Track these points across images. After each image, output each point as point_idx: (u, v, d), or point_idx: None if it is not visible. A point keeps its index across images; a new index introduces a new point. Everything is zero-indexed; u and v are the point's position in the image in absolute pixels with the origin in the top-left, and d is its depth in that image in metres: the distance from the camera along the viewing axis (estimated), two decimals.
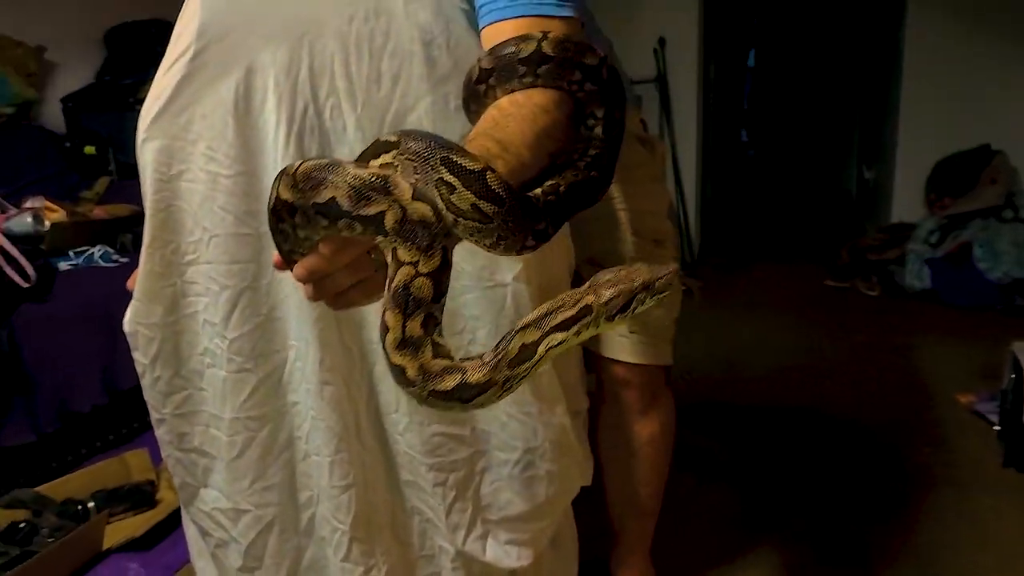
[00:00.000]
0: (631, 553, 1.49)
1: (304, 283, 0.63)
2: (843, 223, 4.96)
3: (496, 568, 1.12)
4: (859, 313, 3.56)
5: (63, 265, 2.25)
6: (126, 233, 2.43)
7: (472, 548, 1.10)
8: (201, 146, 0.96)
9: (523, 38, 0.77)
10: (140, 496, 1.76)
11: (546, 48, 0.75)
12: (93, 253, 2.32)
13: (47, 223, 2.26)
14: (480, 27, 0.86)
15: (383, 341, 0.61)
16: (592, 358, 1.28)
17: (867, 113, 5.25)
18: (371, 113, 0.94)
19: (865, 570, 1.79)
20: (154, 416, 1.08)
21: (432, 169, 0.62)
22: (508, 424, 1.07)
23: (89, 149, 2.98)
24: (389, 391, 1.04)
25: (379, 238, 0.60)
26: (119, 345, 1.10)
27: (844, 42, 5.94)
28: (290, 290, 1.00)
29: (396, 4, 0.92)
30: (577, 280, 1.20)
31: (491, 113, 0.76)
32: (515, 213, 0.65)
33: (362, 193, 0.59)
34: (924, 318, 3.42)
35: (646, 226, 1.23)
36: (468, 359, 0.62)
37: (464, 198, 0.62)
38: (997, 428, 2.29)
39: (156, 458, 1.78)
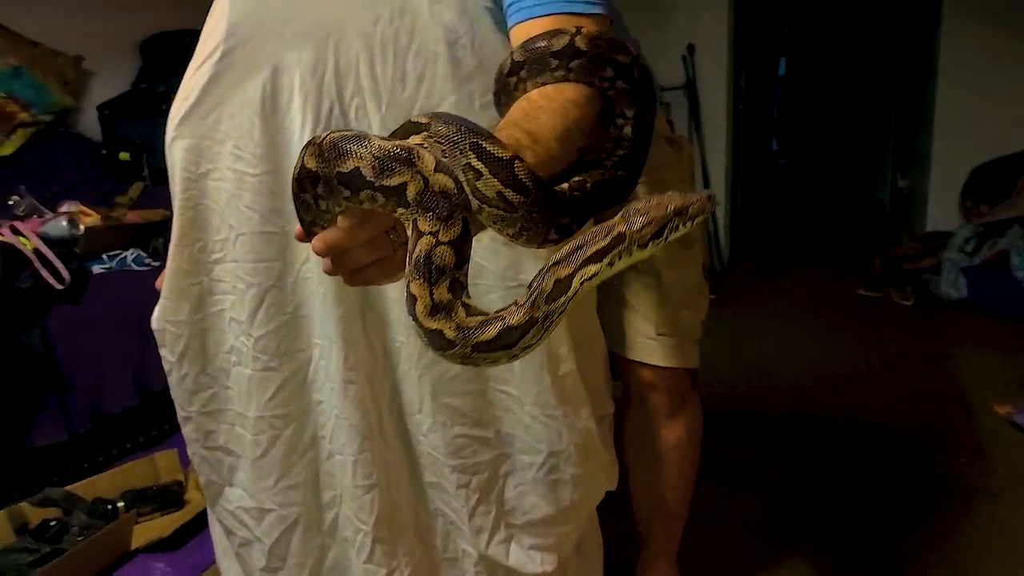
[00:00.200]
0: (657, 558, 1.47)
1: (322, 256, 0.62)
2: (876, 232, 4.88)
3: (520, 573, 1.11)
4: (893, 322, 3.48)
5: (96, 268, 2.28)
6: (158, 237, 2.46)
7: (495, 552, 1.09)
8: (228, 145, 0.97)
9: (556, 32, 0.77)
10: (168, 497, 1.77)
11: (579, 43, 0.75)
12: (126, 256, 2.35)
13: (82, 227, 2.29)
14: (509, 26, 0.86)
15: (413, 312, 0.60)
16: (618, 362, 1.26)
17: (901, 121, 5.16)
18: (396, 113, 0.94)
19: None
20: (180, 414, 1.09)
21: (460, 153, 0.62)
22: (532, 426, 1.06)
23: (124, 155, 3.03)
24: (412, 391, 1.04)
25: (400, 210, 0.60)
26: (150, 347, 1.11)
27: (878, 49, 5.85)
28: (315, 288, 1.00)
29: (421, 4, 0.92)
30: (600, 289, 1.19)
31: (521, 104, 0.76)
32: (540, 205, 0.65)
33: (385, 164, 0.59)
34: (960, 327, 3.34)
35: None
36: (501, 309, 0.61)
37: (490, 185, 0.62)
38: None
39: (184, 459, 1.79)
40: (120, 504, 1.70)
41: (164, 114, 1.03)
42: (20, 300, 1.91)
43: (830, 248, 4.77)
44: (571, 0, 0.81)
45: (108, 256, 2.35)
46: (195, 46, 1.01)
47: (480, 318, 0.60)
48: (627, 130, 0.81)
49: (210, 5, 1.00)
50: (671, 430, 1.28)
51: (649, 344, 1.23)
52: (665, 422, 1.27)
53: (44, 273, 2.00)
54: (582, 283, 0.60)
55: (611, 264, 0.61)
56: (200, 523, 1.63)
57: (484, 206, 0.63)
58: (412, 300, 0.60)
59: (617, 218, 0.62)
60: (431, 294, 0.59)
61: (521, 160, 0.63)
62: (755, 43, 5.18)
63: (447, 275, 0.59)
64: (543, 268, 0.61)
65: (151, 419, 2.11)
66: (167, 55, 3.23)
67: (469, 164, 0.62)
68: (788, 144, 7.23)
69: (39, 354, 1.86)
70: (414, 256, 0.59)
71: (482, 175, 0.62)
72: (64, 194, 2.66)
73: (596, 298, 1.15)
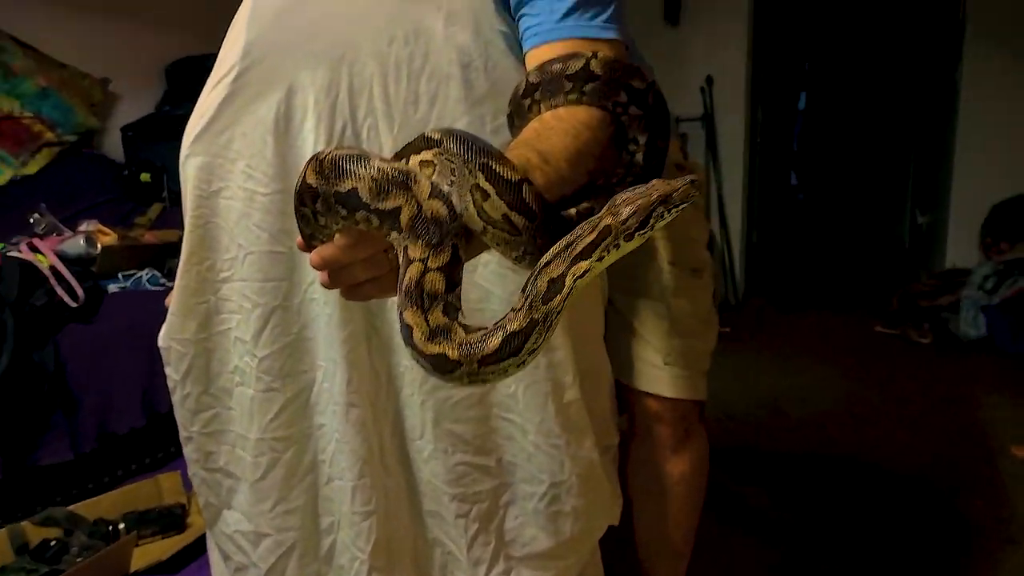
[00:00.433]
0: None
1: (319, 270, 0.63)
2: (895, 270, 4.83)
3: None
4: (910, 361, 3.43)
5: (112, 287, 2.30)
6: (174, 258, 2.46)
7: None
8: (240, 164, 0.98)
9: (572, 56, 0.77)
10: (170, 519, 1.76)
11: (594, 67, 0.76)
12: (141, 277, 2.37)
13: (99, 246, 2.32)
14: (525, 50, 0.86)
15: (411, 341, 0.59)
16: (625, 394, 1.24)
17: (922, 158, 5.13)
18: (408, 134, 0.94)
19: None
20: (182, 434, 1.09)
21: (470, 173, 0.62)
22: (535, 456, 1.05)
23: (145, 176, 3.07)
24: (415, 416, 1.03)
25: (393, 234, 0.60)
26: (159, 368, 1.11)
27: (899, 85, 5.85)
28: (321, 310, 1.00)
29: (436, 27, 0.93)
30: (608, 316, 1.18)
31: (534, 125, 0.76)
32: (545, 230, 0.65)
33: (382, 187, 0.59)
34: (978, 367, 3.28)
35: (684, 255, 1.20)
36: (498, 321, 0.61)
37: (497, 207, 0.62)
38: None
39: (188, 482, 1.79)
40: (121, 526, 1.69)
41: (182, 136, 1.04)
42: (34, 317, 1.92)
43: (847, 287, 4.72)
44: (587, 25, 0.82)
45: (124, 276, 2.37)
46: None
47: (480, 333, 0.60)
48: (639, 156, 0.81)
49: None
50: (676, 464, 1.26)
51: (656, 373, 1.21)
52: (670, 455, 1.25)
53: (59, 291, 2.01)
54: (575, 281, 0.60)
55: (600, 259, 0.61)
56: (200, 547, 1.62)
57: (489, 227, 0.63)
58: (408, 329, 0.59)
59: (604, 211, 0.62)
60: (427, 320, 0.59)
61: (530, 184, 0.63)
62: (774, 77, 5.20)
63: (439, 300, 0.59)
64: (535, 270, 0.61)
65: (158, 440, 2.11)
66: (191, 79, 3.28)
67: (477, 184, 0.62)
68: (807, 179, 7.21)
69: (49, 372, 1.87)
70: (404, 284, 0.59)
71: (489, 196, 0.62)
72: (85, 213, 2.70)
73: (603, 327, 1.14)
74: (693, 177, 0.62)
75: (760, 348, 3.61)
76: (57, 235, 2.39)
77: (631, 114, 0.78)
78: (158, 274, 2.41)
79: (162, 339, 1.06)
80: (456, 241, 0.60)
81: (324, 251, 0.62)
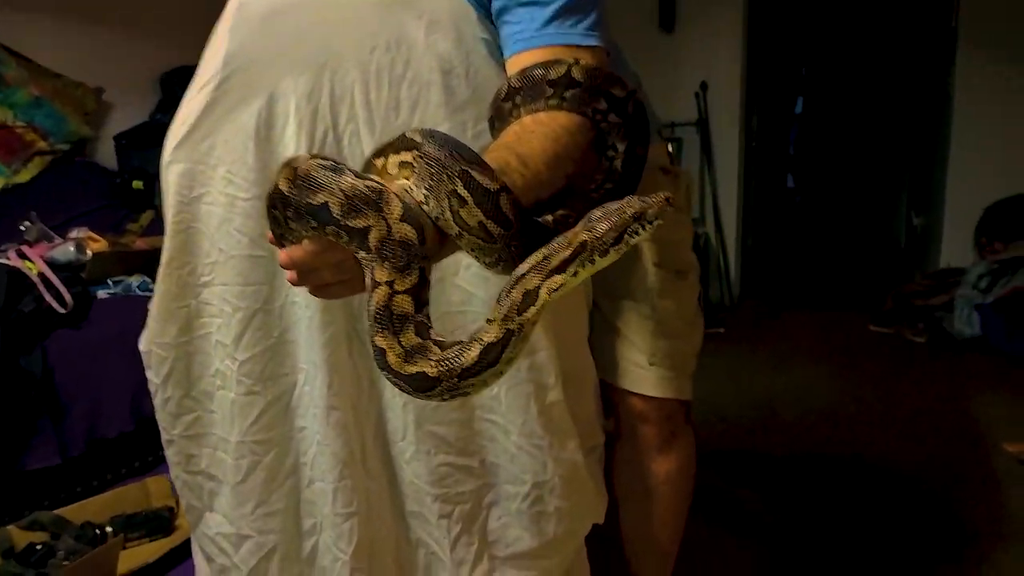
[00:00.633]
0: None
1: (287, 269, 0.63)
2: (890, 270, 4.84)
3: None
4: (904, 360, 3.43)
5: (101, 293, 2.30)
6: None
7: None
8: (221, 170, 0.98)
9: (554, 62, 0.78)
10: (158, 522, 1.75)
11: (575, 73, 0.76)
12: (131, 283, 2.37)
13: (89, 252, 2.32)
14: (506, 56, 0.87)
15: (386, 365, 0.60)
16: (610, 395, 1.24)
17: (917, 160, 5.14)
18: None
19: None
20: (164, 437, 1.09)
21: (448, 179, 0.62)
22: (518, 456, 1.04)
23: (137, 184, 3.08)
24: (397, 418, 1.03)
25: (361, 253, 0.60)
26: None
27: (894, 90, 5.87)
28: (302, 313, 1.00)
29: (417, 34, 0.93)
30: (592, 318, 1.18)
31: (514, 128, 0.77)
32: (520, 239, 0.65)
33: (354, 204, 0.59)
34: (972, 365, 3.29)
35: (669, 256, 1.20)
36: (473, 333, 0.61)
37: (473, 214, 0.62)
38: None
39: None
40: (109, 529, 1.68)
41: None
42: (22, 323, 1.92)
43: (842, 288, 4.72)
44: (569, 32, 0.82)
45: (114, 282, 2.37)
46: None
47: (456, 347, 0.60)
48: (617, 163, 0.82)
49: None
50: (662, 464, 1.25)
51: (641, 373, 1.21)
52: (655, 455, 1.25)
53: (47, 297, 2.01)
54: (549, 294, 0.61)
55: (575, 274, 0.61)
56: (188, 550, 1.61)
57: (464, 233, 0.64)
58: (381, 353, 0.60)
59: (579, 226, 0.62)
60: (399, 342, 0.60)
61: (508, 193, 0.64)
62: (770, 82, 5.21)
63: (409, 321, 0.60)
64: (510, 280, 0.61)
65: (146, 444, 2.10)
66: (185, 88, 3.28)
67: (455, 191, 0.62)
68: (804, 182, 7.22)
69: (37, 377, 1.87)
70: (372, 309, 0.60)
71: (467, 203, 0.62)
72: (77, 220, 2.70)
73: (588, 330, 1.14)
74: (667, 194, 0.62)
75: (754, 349, 3.62)
76: (47, 242, 2.40)
77: (611, 121, 0.78)
78: (149, 280, 2.41)
79: (143, 343, 1.06)
80: (423, 264, 0.61)
81: (294, 252, 0.62)
